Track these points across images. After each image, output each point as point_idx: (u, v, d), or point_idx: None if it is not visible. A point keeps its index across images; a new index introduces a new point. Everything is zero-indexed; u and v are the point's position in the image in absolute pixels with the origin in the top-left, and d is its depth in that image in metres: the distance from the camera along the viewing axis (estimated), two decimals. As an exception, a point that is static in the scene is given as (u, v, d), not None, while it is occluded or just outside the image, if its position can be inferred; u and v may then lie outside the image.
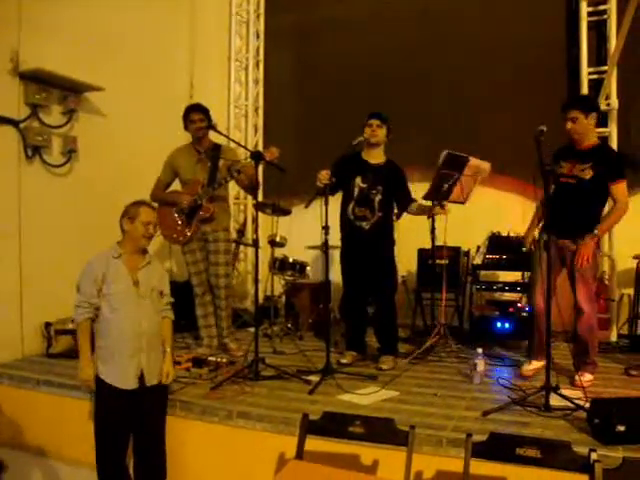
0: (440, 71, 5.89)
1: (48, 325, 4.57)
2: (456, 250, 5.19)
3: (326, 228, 3.94)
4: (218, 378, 3.86)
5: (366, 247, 4.27)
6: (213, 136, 4.54)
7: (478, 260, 4.78)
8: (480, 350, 3.79)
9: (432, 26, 5.93)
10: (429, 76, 5.93)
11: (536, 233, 4.01)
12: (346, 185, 4.31)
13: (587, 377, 3.70)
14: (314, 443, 2.77)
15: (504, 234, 5.13)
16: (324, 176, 3.92)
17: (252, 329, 5.69)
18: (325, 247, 3.99)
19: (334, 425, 2.58)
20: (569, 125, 3.67)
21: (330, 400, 3.49)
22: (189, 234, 4.47)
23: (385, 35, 6.02)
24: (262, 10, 6.69)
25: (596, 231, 3.62)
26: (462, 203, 4.44)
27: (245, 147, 4.39)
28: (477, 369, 3.74)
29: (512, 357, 4.50)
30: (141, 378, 3.10)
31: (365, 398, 3.49)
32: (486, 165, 4.29)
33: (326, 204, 3.95)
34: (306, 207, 4.06)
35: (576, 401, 3.12)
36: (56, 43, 4.65)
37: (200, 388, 3.71)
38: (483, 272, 5.01)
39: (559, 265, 3.80)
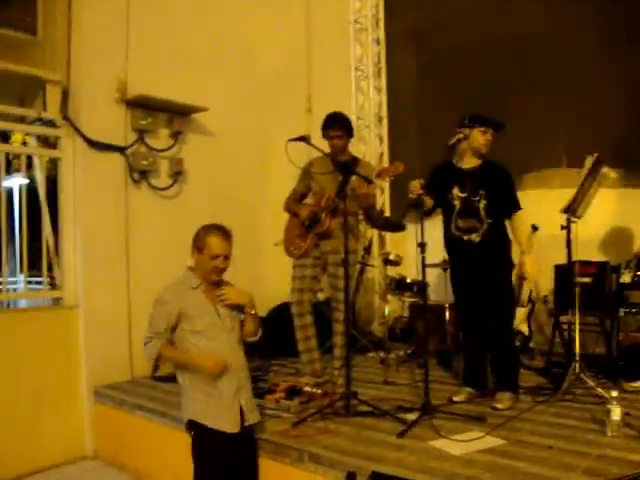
0: (589, 60, 5.06)
1: (156, 348, 4.58)
2: (602, 266, 4.32)
3: (422, 245, 3.42)
4: (306, 412, 3.51)
5: (478, 264, 3.65)
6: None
7: (627, 278, 3.90)
8: (615, 393, 2.99)
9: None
10: (574, 66, 5.12)
11: None
12: (443, 200, 3.77)
13: None
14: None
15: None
16: (415, 186, 3.44)
17: (371, 354, 5.34)
18: (422, 266, 3.47)
19: (382, 489, 2.08)
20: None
21: (418, 446, 2.95)
22: (304, 248, 4.21)
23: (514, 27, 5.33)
24: (381, 15, 6.31)
25: None
26: (578, 218, 3.67)
27: (326, 153, 4.05)
28: (611, 417, 2.95)
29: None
30: (241, 419, 2.86)
31: (460, 446, 2.90)
32: (613, 174, 3.53)
33: (421, 217, 3.44)
34: (401, 220, 3.61)
35: None
36: (162, 67, 4.73)
37: (283, 423, 3.39)
38: (637, 292, 4.09)
39: None
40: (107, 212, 4.45)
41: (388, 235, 6.28)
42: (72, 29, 4.33)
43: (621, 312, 4.02)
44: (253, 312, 3.02)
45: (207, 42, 5.08)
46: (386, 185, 6.39)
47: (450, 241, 3.80)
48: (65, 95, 4.33)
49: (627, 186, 4.83)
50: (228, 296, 2.92)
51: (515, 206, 3.71)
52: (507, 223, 3.75)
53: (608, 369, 4.05)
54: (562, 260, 4.33)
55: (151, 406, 3.86)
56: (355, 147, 6.16)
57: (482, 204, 3.63)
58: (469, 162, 3.76)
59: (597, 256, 4.76)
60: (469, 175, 3.71)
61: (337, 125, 4.15)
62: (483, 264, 3.65)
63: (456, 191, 3.71)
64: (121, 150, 4.52)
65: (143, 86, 4.52)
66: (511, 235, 3.75)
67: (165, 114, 4.78)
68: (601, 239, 4.95)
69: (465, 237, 3.69)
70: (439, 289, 5.19)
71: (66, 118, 4.31)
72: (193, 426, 2.83)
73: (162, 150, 4.77)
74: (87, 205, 4.37)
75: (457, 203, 3.71)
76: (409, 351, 5.05)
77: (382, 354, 4.95)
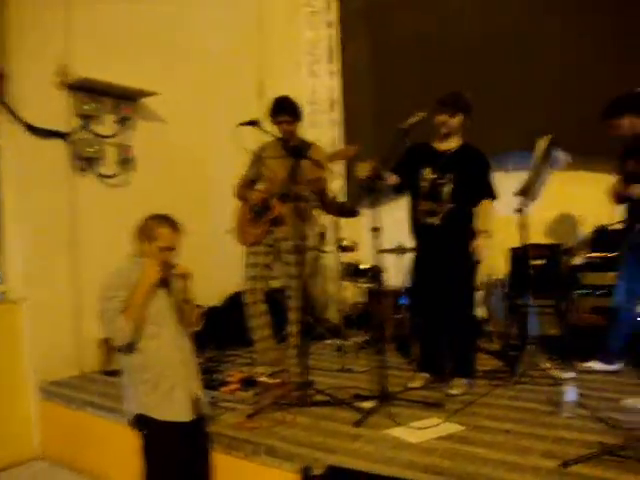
0: (540, 46, 5.07)
1: (106, 341, 4.42)
2: (554, 248, 4.36)
3: (375, 230, 3.37)
4: (261, 403, 3.44)
5: (439, 247, 3.62)
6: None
7: (578, 260, 3.94)
8: (572, 374, 3.02)
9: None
10: (526, 52, 5.13)
11: None
12: (414, 181, 3.71)
13: None
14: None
15: (615, 228, 4.21)
16: (363, 167, 3.34)
17: (328, 341, 5.29)
18: (377, 251, 3.43)
19: (338, 483, 2.03)
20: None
21: (376, 435, 2.92)
22: (255, 235, 4.11)
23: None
24: (334, -4, 6.22)
25: None
26: (532, 201, 3.68)
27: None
28: (566, 399, 2.98)
29: (623, 381, 3.63)
30: (194, 408, 2.73)
31: (417, 434, 2.88)
32: (566, 157, 3.56)
33: (374, 201, 3.38)
34: (356, 207, 3.55)
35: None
36: (108, 51, 4.52)
37: (239, 415, 3.31)
38: (589, 274, 4.14)
39: None
40: (51, 202, 4.24)
41: (342, 221, 6.22)
42: (6, 6, 4.07)
43: (574, 294, 4.07)
44: (191, 299, 2.89)
45: (156, 26, 4.89)
46: (341, 170, 6.34)
47: (414, 223, 3.76)
48: (1, 78, 4.09)
49: (575, 169, 4.87)
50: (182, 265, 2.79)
51: (487, 194, 3.65)
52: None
53: (562, 350, 4.11)
54: (514, 243, 4.38)
55: (101, 402, 3.72)
56: (308, 132, 6.06)
57: (447, 187, 3.58)
58: (445, 144, 3.69)
59: (546, 239, 4.82)
60: (442, 156, 3.65)
61: (284, 110, 4.04)
62: (443, 248, 3.61)
63: (427, 172, 3.65)
64: (64, 137, 4.30)
65: (88, 70, 4.30)
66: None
67: (111, 99, 4.58)
68: (549, 222, 5.00)
69: (426, 220, 3.66)
70: (395, 274, 5.17)
71: (3, 103, 4.08)
72: (142, 421, 2.71)
73: (108, 136, 4.57)
74: (30, 195, 4.16)
75: (425, 184, 3.65)
76: (366, 337, 5.03)
77: (339, 341, 4.91)
